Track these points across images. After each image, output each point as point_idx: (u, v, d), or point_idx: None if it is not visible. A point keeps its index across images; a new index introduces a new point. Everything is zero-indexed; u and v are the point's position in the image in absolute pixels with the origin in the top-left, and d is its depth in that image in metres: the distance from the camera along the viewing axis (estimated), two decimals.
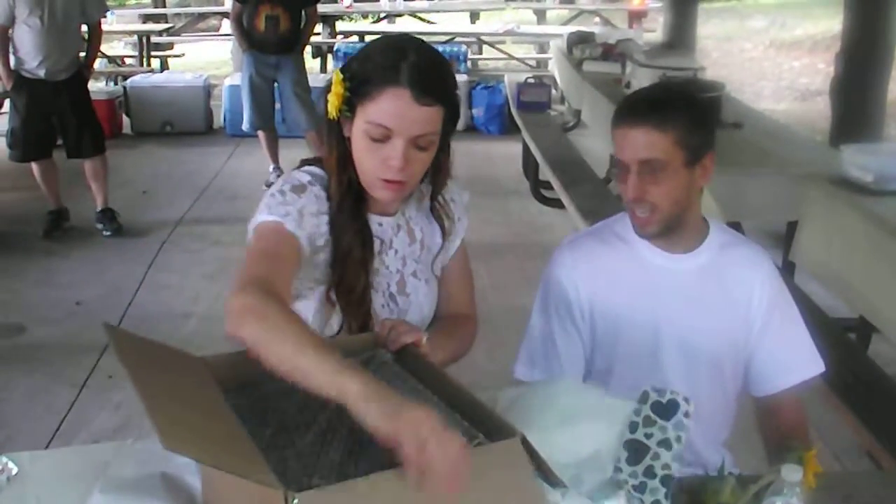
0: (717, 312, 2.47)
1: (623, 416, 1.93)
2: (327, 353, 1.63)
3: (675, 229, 2.41)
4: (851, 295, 4.34)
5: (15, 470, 1.92)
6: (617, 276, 2.50)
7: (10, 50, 7.08)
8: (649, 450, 1.89)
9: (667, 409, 1.96)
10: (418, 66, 2.05)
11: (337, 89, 2.10)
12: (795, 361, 2.54)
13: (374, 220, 2.28)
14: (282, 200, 2.14)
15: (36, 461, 1.95)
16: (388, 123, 2.06)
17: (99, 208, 7.56)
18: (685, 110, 2.35)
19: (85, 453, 1.95)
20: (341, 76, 2.10)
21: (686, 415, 1.94)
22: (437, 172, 2.28)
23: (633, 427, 1.93)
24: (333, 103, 2.11)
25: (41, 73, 7.08)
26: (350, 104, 2.10)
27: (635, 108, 2.38)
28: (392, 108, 2.05)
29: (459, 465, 1.48)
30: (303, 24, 8.65)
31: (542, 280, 2.61)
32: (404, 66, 2.04)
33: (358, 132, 2.11)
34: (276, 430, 1.71)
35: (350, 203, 2.20)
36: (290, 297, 2.00)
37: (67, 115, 7.29)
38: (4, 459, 1.95)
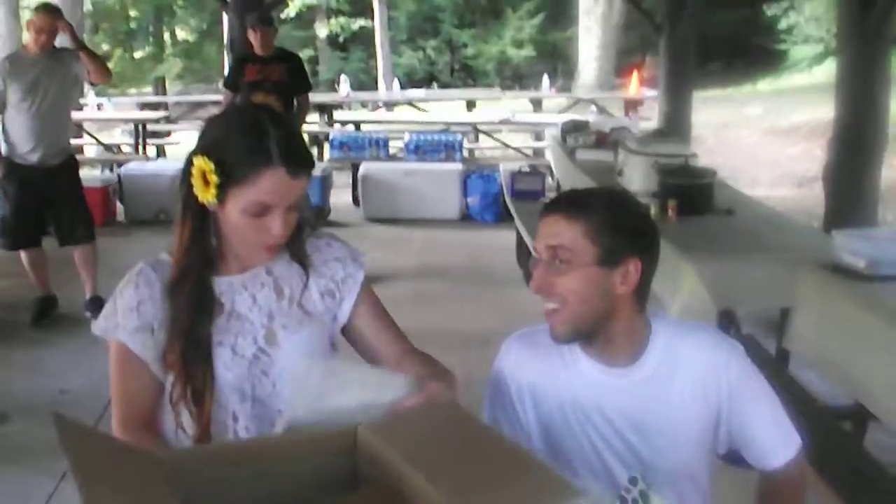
0: (669, 420, 2.35)
1: None
2: None
3: (600, 340, 2.32)
4: (847, 382, 4.27)
5: None
6: (557, 383, 2.40)
7: (1, 137, 7.06)
8: None
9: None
10: (285, 141, 2.14)
11: (206, 177, 2.13)
12: (773, 442, 2.42)
13: (223, 283, 2.32)
14: (112, 306, 2.33)
15: None
16: (269, 201, 2.15)
17: (88, 296, 7.49)
18: (602, 208, 2.27)
19: None
20: (208, 162, 2.13)
21: None
22: None
23: (622, 502, 1.84)
24: (206, 192, 2.15)
25: (33, 158, 7.05)
26: (221, 188, 2.14)
27: (554, 201, 2.38)
28: (271, 187, 2.14)
29: None
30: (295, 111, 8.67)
31: (491, 370, 2.54)
32: (272, 144, 2.12)
33: (234, 211, 2.17)
34: None
35: (194, 275, 2.26)
36: (156, 418, 2.30)
37: (59, 202, 7.25)
38: None
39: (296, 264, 2.40)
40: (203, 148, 2.17)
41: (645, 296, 2.36)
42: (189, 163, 2.18)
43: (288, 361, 2.30)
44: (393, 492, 1.76)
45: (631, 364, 2.35)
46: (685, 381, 2.34)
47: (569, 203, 2.31)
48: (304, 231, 2.41)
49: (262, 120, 2.16)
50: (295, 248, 2.39)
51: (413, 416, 2.04)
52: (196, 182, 2.15)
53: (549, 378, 2.41)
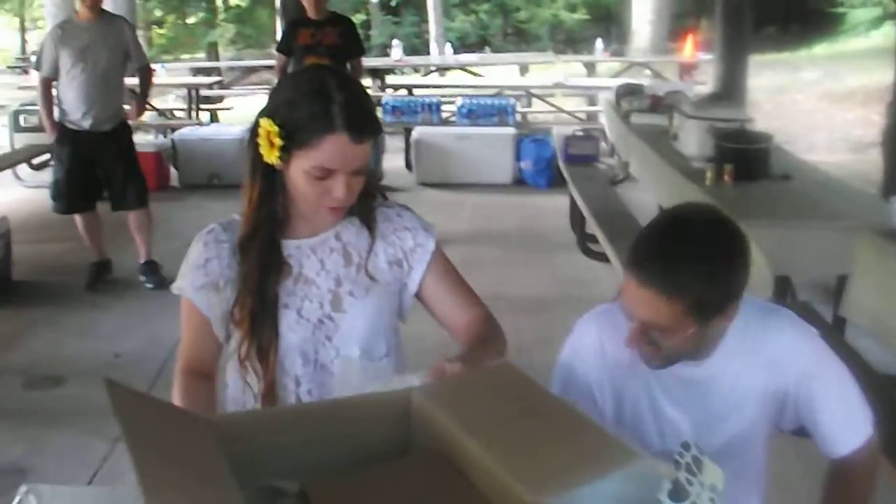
0: (735, 409, 2.32)
1: (655, 483, 1.82)
2: None
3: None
4: None
5: (34, 502, 1.86)
6: (633, 368, 2.33)
7: (55, 102, 7.11)
8: (689, 495, 1.76)
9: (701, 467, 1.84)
10: (348, 107, 2.16)
11: (271, 139, 2.17)
12: (840, 431, 2.35)
13: (291, 245, 2.38)
14: (185, 266, 2.40)
15: (56, 497, 1.89)
16: (331, 166, 2.18)
17: (142, 260, 7.55)
18: (701, 279, 2.08)
19: (104, 495, 1.88)
20: (273, 125, 2.17)
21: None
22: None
23: (676, 466, 1.80)
24: (271, 153, 2.19)
25: (86, 124, 7.12)
26: (285, 150, 2.18)
27: (644, 264, 2.12)
28: (333, 153, 2.16)
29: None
30: None
31: (564, 345, 2.48)
32: (336, 110, 2.14)
33: (297, 173, 2.21)
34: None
35: (264, 233, 2.32)
36: (216, 366, 2.43)
37: (112, 167, 7.32)
38: (25, 489, 1.89)
39: (365, 231, 2.42)
40: (269, 110, 2.21)
41: None
42: (256, 124, 2.22)
43: (352, 328, 2.35)
44: (446, 457, 1.74)
45: (704, 358, 2.29)
46: (754, 367, 2.30)
47: (664, 276, 2.08)
48: (376, 199, 2.44)
49: (328, 84, 2.17)
50: (365, 214, 2.42)
51: (468, 380, 2.02)
52: (262, 143, 2.19)
53: (620, 364, 2.36)
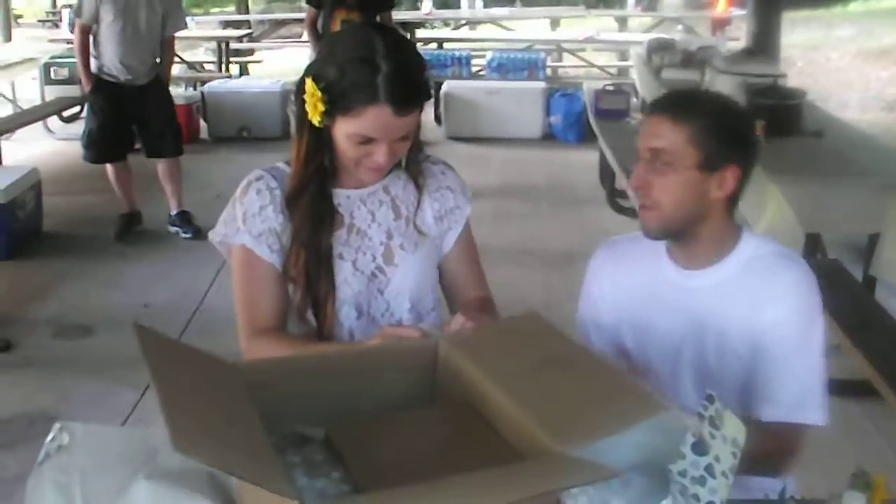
0: (731, 334, 2.30)
1: (680, 434, 1.81)
2: None
3: (687, 240, 2.32)
4: None
5: (67, 439, 1.87)
6: (638, 286, 2.44)
7: (92, 53, 7.14)
8: (711, 448, 1.75)
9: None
10: (394, 79, 2.09)
11: (314, 101, 2.15)
12: (789, 397, 2.29)
13: (341, 195, 2.34)
14: (231, 212, 2.34)
15: (88, 435, 1.90)
16: (373, 135, 2.14)
17: (174, 211, 7.59)
18: (708, 112, 2.26)
19: (136, 436, 1.88)
20: (317, 89, 2.13)
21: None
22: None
23: (700, 419, 1.80)
24: (314, 113, 2.16)
25: (122, 77, 7.17)
26: (329, 114, 2.15)
27: (660, 100, 2.39)
28: (375, 123, 2.12)
29: None
30: None
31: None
32: (380, 80, 2.08)
33: (340, 135, 2.18)
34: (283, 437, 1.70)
35: (314, 186, 2.28)
36: (285, 321, 2.34)
37: (149, 116, 7.37)
38: (58, 426, 1.90)
39: (411, 185, 2.41)
40: (315, 71, 2.17)
41: (736, 203, 2.35)
42: (303, 81, 2.19)
43: (403, 281, 2.36)
44: (472, 407, 1.75)
45: (707, 268, 2.34)
46: (750, 302, 2.28)
47: (676, 105, 2.30)
48: (422, 154, 2.42)
49: (377, 50, 2.11)
50: (411, 169, 2.40)
51: (494, 329, 2.02)
52: (307, 101, 2.16)
53: (631, 277, 2.46)
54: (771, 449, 2.27)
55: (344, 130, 2.15)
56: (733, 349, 2.31)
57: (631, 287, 2.46)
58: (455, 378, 1.83)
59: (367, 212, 2.35)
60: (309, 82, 2.15)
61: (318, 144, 2.24)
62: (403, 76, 2.11)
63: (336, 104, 2.12)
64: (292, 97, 2.28)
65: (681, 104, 2.30)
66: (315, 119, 2.16)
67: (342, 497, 1.54)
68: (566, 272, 6.44)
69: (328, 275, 2.29)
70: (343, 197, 2.34)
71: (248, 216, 2.30)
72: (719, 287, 2.32)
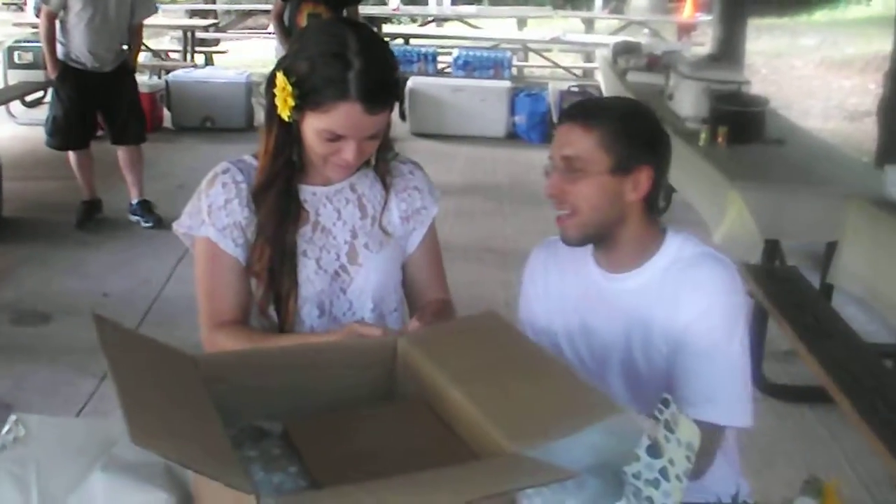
0: (655, 334, 2.31)
1: (635, 436, 1.83)
2: None
3: (609, 245, 2.33)
4: (893, 316, 4.24)
5: (22, 431, 1.87)
6: (569, 287, 2.46)
7: (59, 40, 7.10)
8: (666, 452, 1.77)
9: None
10: (366, 76, 2.08)
11: (284, 95, 2.14)
12: (708, 397, 2.23)
13: (307, 191, 2.34)
14: (196, 205, 2.32)
15: (43, 426, 1.90)
16: (342, 132, 2.13)
17: (135, 200, 7.55)
18: (615, 116, 2.28)
19: (92, 427, 1.88)
20: (288, 83, 2.13)
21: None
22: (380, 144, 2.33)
23: (655, 422, 1.81)
24: (284, 108, 2.16)
25: (88, 64, 7.13)
26: (299, 108, 2.14)
27: (570, 109, 2.37)
28: (345, 121, 2.11)
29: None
30: None
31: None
32: (352, 77, 2.07)
33: (309, 130, 2.17)
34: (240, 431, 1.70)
35: (281, 181, 2.27)
36: (247, 315, 2.33)
37: (114, 103, 7.34)
38: (14, 417, 1.90)
39: (379, 184, 2.41)
40: (286, 65, 2.16)
41: (655, 204, 2.36)
42: (273, 75, 2.18)
43: (366, 281, 2.36)
44: (429, 405, 1.76)
45: (632, 270, 2.35)
46: (674, 305, 2.28)
47: (585, 112, 2.30)
48: (390, 153, 2.41)
49: (348, 47, 2.10)
50: (380, 168, 2.40)
51: (453, 328, 2.03)
52: (277, 95, 2.15)
53: (562, 279, 2.48)
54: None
55: (313, 126, 2.14)
56: (658, 349, 2.32)
57: (562, 288, 2.48)
58: (413, 376, 1.84)
59: (332, 209, 2.35)
60: (280, 76, 2.14)
61: (287, 139, 2.23)
62: (375, 74, 2.11)
63: (306, 99, 2.11)
64: (261, 90, 2.28)
65: (589, 111, 2.31)
66: (285, 113, 2.15)
67: (299, 492, 1.55)
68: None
69: (291, 271, 2.28)
70: (309, 193, 2.33)
71: (214, 209, 2.28)
72: (643, 290, 2.33)
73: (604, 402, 1.68)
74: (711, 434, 2.25)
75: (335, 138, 2.14)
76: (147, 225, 7.42)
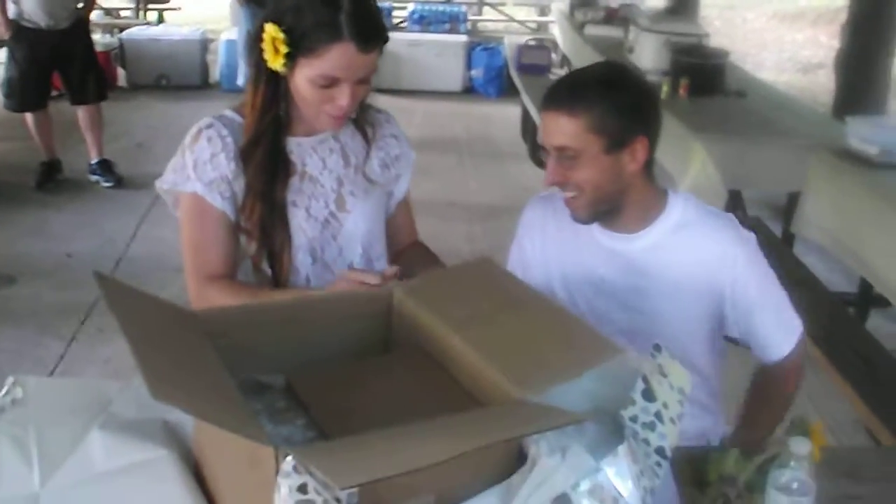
0: (666, 295, 2.38)
1: (631, 380, 1.87)
2: None
3: (615, 212, 2.37)
4: (856, 265, 4.31)
5: (20, 393, 1.88)
6: (567, 241, 2.49)
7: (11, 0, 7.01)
8: (659, 395, 1.81)
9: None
10: (356, 15, 2.11)
11: (276, 45, 2.14)
12: (775, 336, 2.46)
13: (293, 142, 2.35)
14: (180, 160, 2.32)
15: (40, 388, 1.91)
16: (337, 74, 2.15)
17: (95, 160, 7.52)
18: (600, 96, 2.25)
19: (89, 387, 1.89)
20: (279, 31, 2.13)
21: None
22: None
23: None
24: (275, 59, 2.16)
25: (42, 23, 7.03)
26: (290, 57, 2.15)
27: (552, 94, 2.33)
28: (339, 62, 2.13)
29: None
30: None
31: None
32: (343, 18, 2.10)
33: (301, 80, 2.18)
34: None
35: (269, 137, 2.29)
36: (236, 269, 2.35)
37: (71, 62, 7.28)
38: (12, 380, 1.91)
39: (359, 134, 2.44)
40: (275, 15, 2.16)
41: (652, 166, 2.39)
42: (261, 28, 2.17)
43: (355, 227, 2.39)
44: (428, 353, 1.78)
45: (635, 232, 2.39)
46: (690, 261, 2.36)
47: (568, 97, 2.28)
48: (366, 103, 2.43)
49: None
50: (360, 119, 2.43)
51: (448, 275, 2.06)
52: (266, 48, 2.15)
53: (560, 233, 2.50)
54: (789, 380, 2.53)
55: (306, 74, 2.15)
56: (676, 307, 2.39)
57: (561, 242, 2.50)
58: (410, 325, 1.86)
59: (318, 159, 2.37)
60: (269, 26, 2.13)
61: (275, 94, 2.25)
62: (365, 12, 2.14)
63: (299, 46, 2.12)
64: (243, 49, 2.28)
65: (572, 95, 2.28)
66: (277, 64, 2.15)
67: (310, 443, 1.57)
68: (489, 225, 6.52)
69: (284, 226, 2.30)
70: (295, 144, 2.34)
71: (199, 164, 2.28)
72: (652, 249, 2.38)
73: (605, 343, 1.71)
74: (799, 359, 2.52)
75: (329, 84, 2.15)
76: (108, 184, 7.39)
